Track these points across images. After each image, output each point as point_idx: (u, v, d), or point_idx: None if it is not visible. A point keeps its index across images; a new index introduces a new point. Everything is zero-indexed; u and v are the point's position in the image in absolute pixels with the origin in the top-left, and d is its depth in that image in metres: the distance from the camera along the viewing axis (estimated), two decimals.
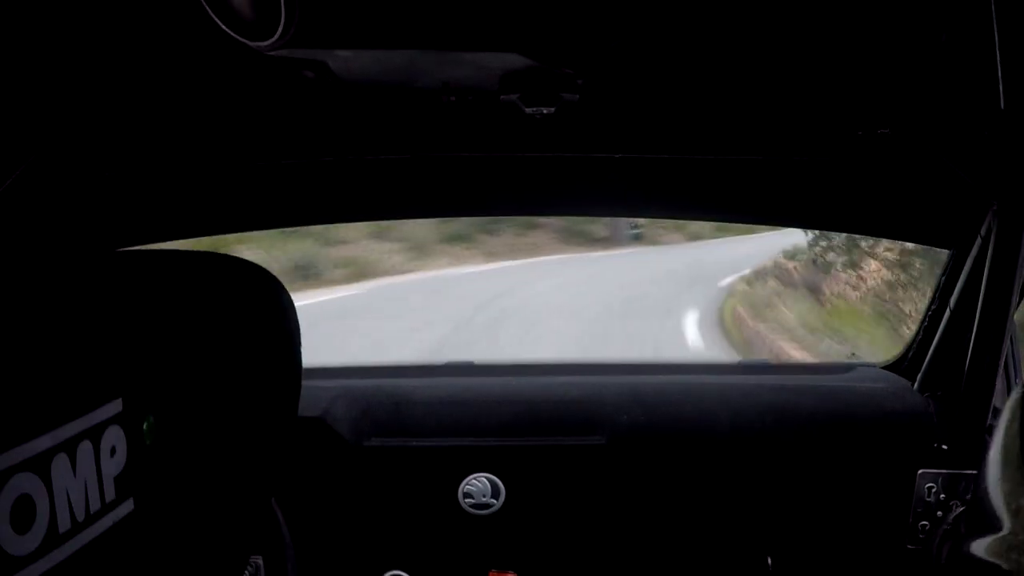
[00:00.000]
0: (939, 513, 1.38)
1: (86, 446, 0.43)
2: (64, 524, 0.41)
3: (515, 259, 12.52)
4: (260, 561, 0.90)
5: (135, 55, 0.97)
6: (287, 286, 0.65)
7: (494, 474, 1.43)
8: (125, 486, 0.46)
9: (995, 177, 1.24)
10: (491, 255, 12.70)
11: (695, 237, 14.59)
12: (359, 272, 10.85)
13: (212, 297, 0.55)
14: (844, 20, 0.93)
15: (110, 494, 0.44)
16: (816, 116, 1.20)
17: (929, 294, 1.54)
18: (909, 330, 2.50)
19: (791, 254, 8.91)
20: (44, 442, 0.40)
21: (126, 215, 1.35)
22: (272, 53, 0.88)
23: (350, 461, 1.43)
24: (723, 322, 8.01)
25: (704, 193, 1.48)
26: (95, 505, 0.43)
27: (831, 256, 7.17)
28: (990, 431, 1.37)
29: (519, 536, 1.44)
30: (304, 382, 0.68)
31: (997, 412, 1.42)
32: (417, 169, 1.40)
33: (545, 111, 1.09)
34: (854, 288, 7.00)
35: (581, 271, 11.59)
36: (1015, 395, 0.84)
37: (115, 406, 0.45)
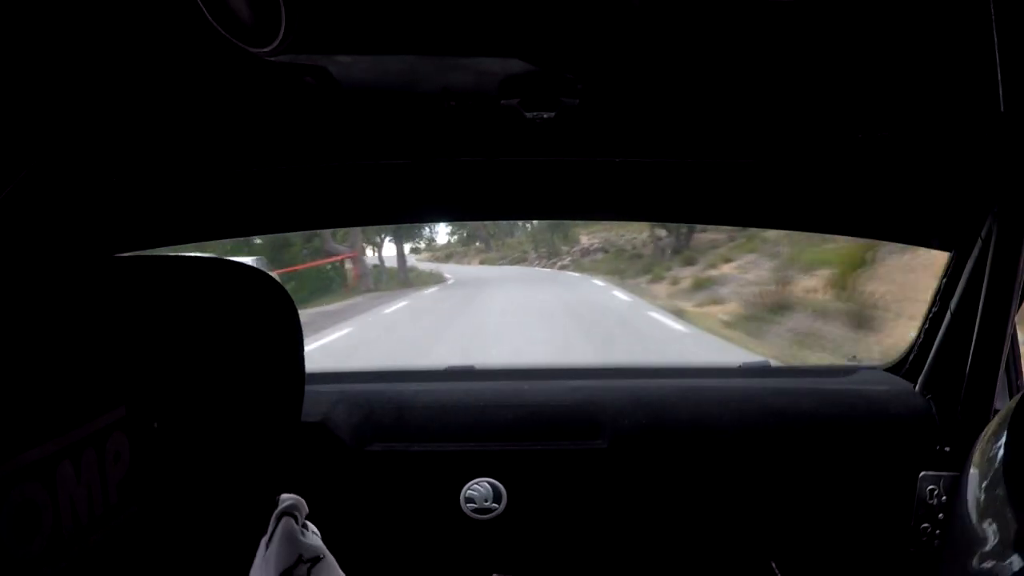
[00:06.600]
0: (940, 516, 1.38)
1: (90, 452, 0.43)
2: (68, 530, 0.41)
3: None
4: None
5: (136, 61, 0.97)
6: None
7: (496, 478, 1.42)
8: (129, 492, 0.45)
9: (995, 179, 1.24)
10: None
11: None
12: None
13: (215, 303, 0.55)
14: (843, 23, 0.93)
15: (114, 500, 0.44)
16: (816, 119, 1.20)
17: (930, 296, 1.54)
18: None
19: None
20: (48, 449, 0.40)
21: (128, 220, 1.34)
22: (272, 59, 0.88)
23: (351, 466, 1.42)
24: None
25: (705, 197, 1.48)
26: (99, 511, 0.43)
27: None
28: None
29: (521, 540, 1.44)
30: (305, 387, 0.68)
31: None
32: (418, 174, 1.40)
33: (545, 116, 1.09)
34: None
35: None
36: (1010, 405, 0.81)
37: (119, 412, 0.45)
